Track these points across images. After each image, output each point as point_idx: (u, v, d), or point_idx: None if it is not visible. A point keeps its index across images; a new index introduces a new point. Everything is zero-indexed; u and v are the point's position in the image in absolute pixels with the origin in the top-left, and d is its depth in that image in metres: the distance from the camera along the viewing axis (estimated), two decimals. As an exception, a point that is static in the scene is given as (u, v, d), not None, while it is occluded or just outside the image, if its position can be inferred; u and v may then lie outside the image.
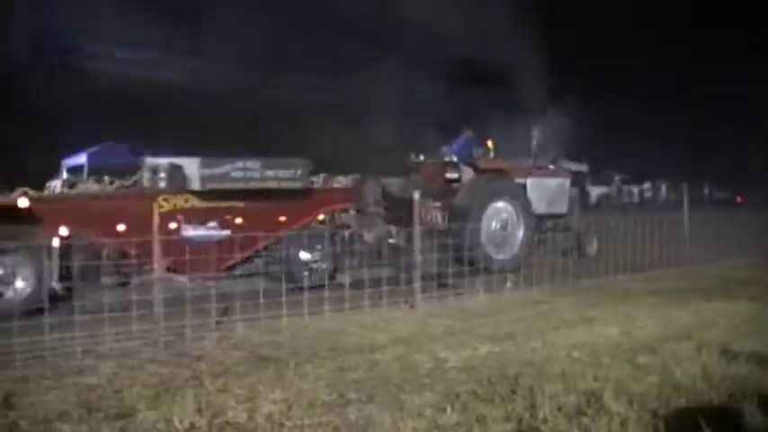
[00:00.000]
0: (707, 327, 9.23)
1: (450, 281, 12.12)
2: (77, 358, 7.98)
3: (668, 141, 46.50)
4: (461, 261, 12.29)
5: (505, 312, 10.58)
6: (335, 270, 13.16)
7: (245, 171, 12.19)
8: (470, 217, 14.76)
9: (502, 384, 6.71)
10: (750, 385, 6.47)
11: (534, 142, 18.22)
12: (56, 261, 10.75)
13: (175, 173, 12.05)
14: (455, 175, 16.53)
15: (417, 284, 11.06)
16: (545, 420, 5.70)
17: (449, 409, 5.99)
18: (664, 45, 45.85)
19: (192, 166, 12.00)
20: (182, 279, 10.83)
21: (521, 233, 16.31)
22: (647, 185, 52.59)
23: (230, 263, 12.15)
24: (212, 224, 12.13)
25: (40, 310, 9.49)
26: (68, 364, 7.78)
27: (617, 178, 49.73)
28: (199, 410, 6.06)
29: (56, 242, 10.81)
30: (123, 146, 20.83)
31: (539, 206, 16.95)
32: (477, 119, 20.05)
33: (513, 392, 6.44)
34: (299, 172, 12.76)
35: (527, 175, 17.17)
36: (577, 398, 6.24)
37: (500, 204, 16.25)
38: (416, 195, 11.44)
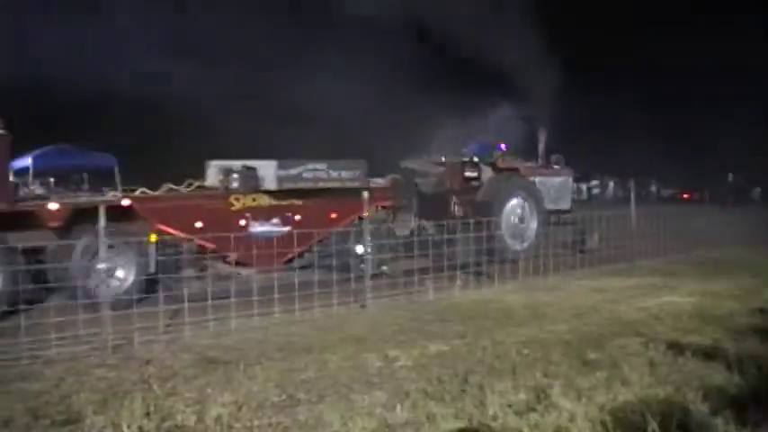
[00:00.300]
0: (654, 322, 9.35)
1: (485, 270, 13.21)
2: (23, 364, 7.86)
3: (622, 138, 46.68)
4: (488, 252, 13.66)
5: (455, 311, 10.62)
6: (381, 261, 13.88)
7: (314, 172, 13.23)
8: (493, 212, 15.93)
9: (452, 382, 6.74)
10: (696, 379, 6.58)
11: (541, 145, 19.88)
12: (153, 254, 11.40)
13: (248, 174, 12.83)
14: (474, 174, 17.76)
15: (368, 283, 11.09)
16: (494, 417, 5.73)
17: (398, 408, 6.00)
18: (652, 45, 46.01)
19: (268, 169, 12.92)
20: (247, 272, 11.85)
21: (534, 225, 17.63)
22: (594, 182, 52.99)
23: (290, 256, 12.78)
24: (275, 221, 13.00)
25: (140, 300, 10.48)
26: (13, 369, 7.67)
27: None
28: (147, 414, 6.01)
29: (153, 237, 11.59)
30: (69, 148, 20.53)
31: (546, 202, 18.20)
32: (477, 119, 20.49)
33: (463, 390, 6.47)
34: (358, 172, 13.79)
35: (536, 173, 18.65)
36: (527, 394, 6.29)
37: (517, 200, 17.61)
38: (365, 195, 11.75)
